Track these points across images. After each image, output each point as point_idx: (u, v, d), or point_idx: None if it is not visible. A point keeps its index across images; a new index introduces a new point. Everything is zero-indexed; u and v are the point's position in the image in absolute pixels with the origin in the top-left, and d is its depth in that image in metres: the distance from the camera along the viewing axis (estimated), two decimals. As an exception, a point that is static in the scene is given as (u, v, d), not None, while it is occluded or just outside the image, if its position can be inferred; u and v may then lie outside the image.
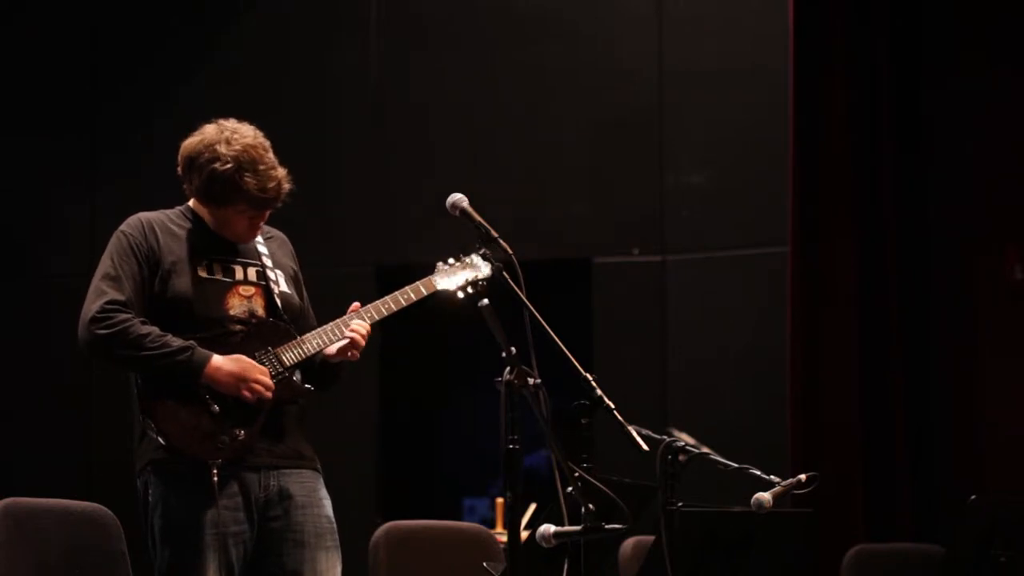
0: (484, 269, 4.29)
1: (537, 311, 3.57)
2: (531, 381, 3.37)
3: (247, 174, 4.12)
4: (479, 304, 3.43)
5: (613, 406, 3.56)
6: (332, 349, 4.20)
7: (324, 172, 7.36)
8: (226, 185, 4.12)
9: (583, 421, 3.62)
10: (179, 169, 4.23)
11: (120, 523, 4.22)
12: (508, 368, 3.36)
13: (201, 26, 7.84)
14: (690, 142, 7.19)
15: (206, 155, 4.13)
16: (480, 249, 3.70)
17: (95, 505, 4.24)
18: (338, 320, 4.23)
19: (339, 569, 4.22)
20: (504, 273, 3.68)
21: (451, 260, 4.35)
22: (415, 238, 7.38)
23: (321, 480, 4.25)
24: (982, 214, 6.70)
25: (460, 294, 4.31)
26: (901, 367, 6.55)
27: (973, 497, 4.86)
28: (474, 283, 4.31)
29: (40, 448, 7.56)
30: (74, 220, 7.73)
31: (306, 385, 4.22)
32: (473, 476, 7.92)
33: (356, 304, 4.27)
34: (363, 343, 4.20)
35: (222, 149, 4.12)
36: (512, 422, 3.35)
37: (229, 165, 4.11)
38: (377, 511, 7.16)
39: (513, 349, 3.38)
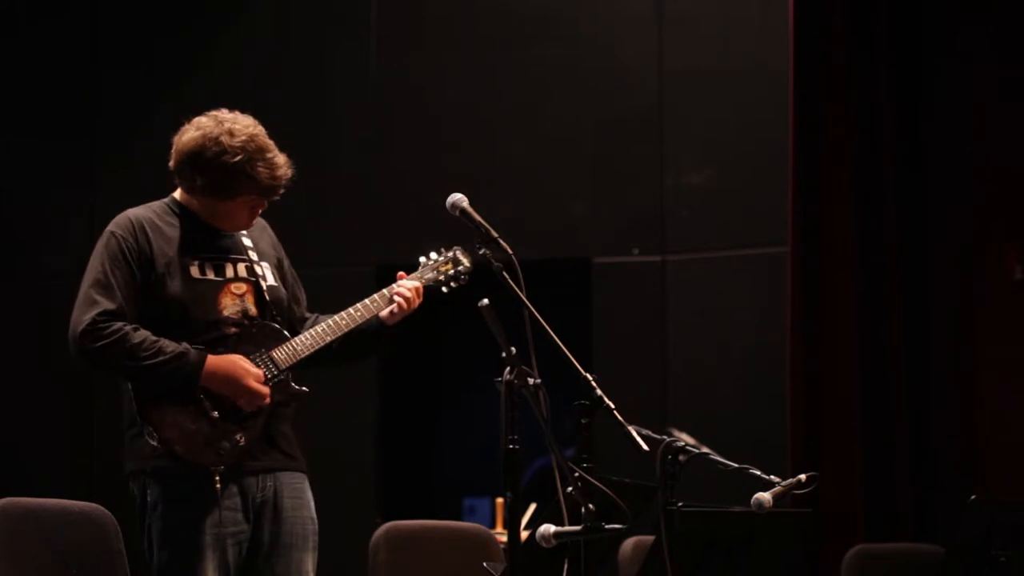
0: (465, 261, 4.40)
1: (537, 311, 3.56)
2: (531, 381, 3.38)
3: (259, 163, 4.12)
4: (479, 304, 3.43)
5: (613, 406, 3.56)
6: (384, 313, 4.27)
7: (324, 172, 7.36)
8: (237, 176, 4.10)
9: (583, 421, 3.62)
10: (177, 166, 4.18)
11: (118, 523, 4.22)
12: (508, 368, 3.36)
13: (201, 26, 7.83)
14: (690, 142, 7.19)
15: (213, 149, 4.10)
16: (480, 249, 3.70)
17: (93, 505, 4.24)
18: (364, 300, 4.27)
19: (314, 569, 4.26)
20: (504, 273, 3.67)
21: (433, 255, 4.43)
22: (415, 238, 7.33)
23: (307, 481, 4.27)
24: (982, 214, 6.70)
25: (444, 289, 4.40)
26: (901, 367, 6.55)
27: (973, 497, 4.85)
28: (456, 276, 4.40)
29: (39, 448, 7.56)
30: (74, 220, 7.73)
31: (302, 388, 4.22)
32: (473, 476, 7.91)
33: (401, 273, 4.36)
34: (405, 305, 4.25)
35: (228, 140, 4.10)
36: (512, 422, 3.35)
37: (239, 156, 4.09)
38: (377, 511, 7.16)
39: (513, 349, 3.39)
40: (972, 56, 6.77)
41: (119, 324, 4.00)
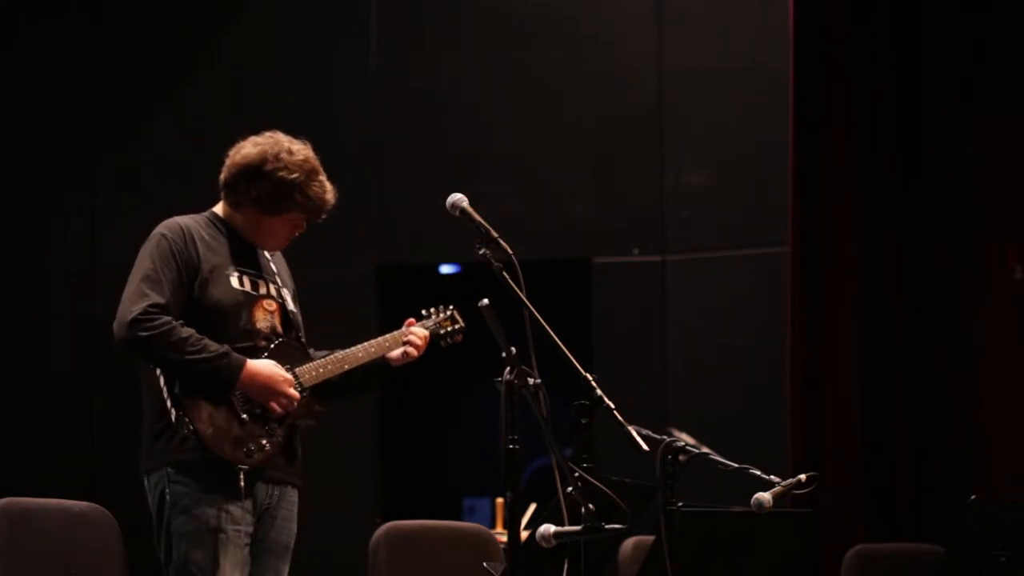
0: (460, 321, 4.62)
1: (537, 311, 3.57)
2: (531, 381, 3.38)
3: (313, 184, 4.33)
4: (479, 304, 3.43)
5: (613, 406, 3.56)
6: (395, 354, 4.45)
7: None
8: (292, 193, 4.29)
9: (583, 421, 3.62)
10: (230, 179, 4.32)
11: (118, 523, 4.23)
12: (508, 368, 3.36)
13: (201, 26, 7.83)
14: (690, 142, 7.19)
15: (273, 164, 4.28)
16: (480, 249, 3.70)
17: (93, 505, 4.26)
18: (377, 339, 4.44)
19: None
20: (504, 273, 3.67)
21: (432, 311, 4.62)
22: (415, 238, 7.38)
23: (298, 494, 4.38)
24: (982, 215, 6.70)
25: (442, 343, 4.61)
26: (901, 367, 6.55)
27: (973, 497, 4.86)
28: (453, 334, 4.62)
29: (39, 448, 7.56)
30: (74, 220, 7.73)
31: (321, 408, 4.34)
32: (473, 476, 7.91)
33: (411, 320, 4.55)
34: (414, 352, 4.46)
35: (288, 158, 4.29)
36: (512, 422, 3.35)
37: (296, 174, 4.28)
38: (377, 511, 7.16)
39: (513, 349, 3.39)
40: (972, 56, 6.76)
41: (168, 318, 4.11)
